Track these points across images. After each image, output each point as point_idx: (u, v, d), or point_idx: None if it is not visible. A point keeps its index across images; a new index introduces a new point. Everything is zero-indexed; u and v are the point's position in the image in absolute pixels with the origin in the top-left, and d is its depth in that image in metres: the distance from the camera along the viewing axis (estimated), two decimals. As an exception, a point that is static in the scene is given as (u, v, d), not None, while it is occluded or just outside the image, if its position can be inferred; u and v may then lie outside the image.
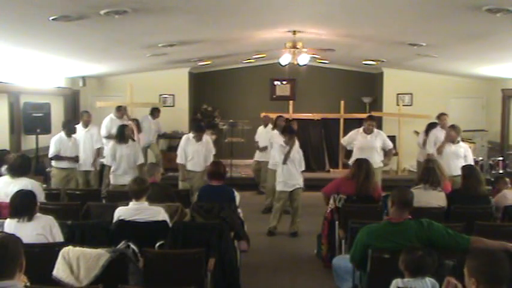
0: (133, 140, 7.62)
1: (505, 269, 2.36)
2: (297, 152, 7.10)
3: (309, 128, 11.62)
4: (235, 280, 4.64)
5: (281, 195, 7.11)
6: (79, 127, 8.30)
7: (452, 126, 7.37)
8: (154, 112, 10.81)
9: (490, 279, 2.33)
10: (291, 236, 7.06)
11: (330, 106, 11.90)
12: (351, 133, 7.91)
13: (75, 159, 7.67)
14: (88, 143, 8.27)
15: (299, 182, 7.09)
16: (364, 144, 7.45)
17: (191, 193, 6.51)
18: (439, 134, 7.99)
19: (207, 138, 7.86)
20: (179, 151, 7.49)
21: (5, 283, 2.40)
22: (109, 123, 9.37)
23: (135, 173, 6.99)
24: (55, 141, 7.56)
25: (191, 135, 7.54)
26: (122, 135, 7.26)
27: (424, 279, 3.07)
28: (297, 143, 7.23)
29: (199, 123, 8.13)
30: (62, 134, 7.64)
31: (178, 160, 7.47)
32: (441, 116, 8.51)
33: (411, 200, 3.69)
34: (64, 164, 7.55)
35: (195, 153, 7.41)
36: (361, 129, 7.66)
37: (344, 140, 8.06)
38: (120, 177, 7.12)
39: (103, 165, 8.19)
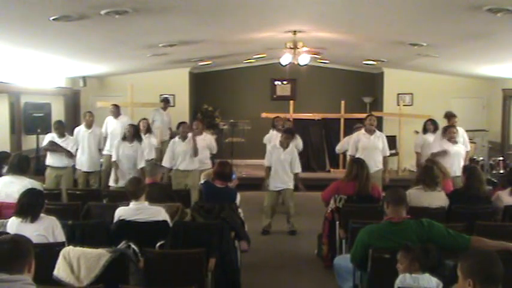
0: (140, 140, 7.38)
1: (499, 267, 2.36)
2: (289, 154, 7.15)
3: (309, 128, 11.60)
4: (235, 280, 4.66)
5: (269, 194, 7.21)
6: (82, 127, 8.22)
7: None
8: (164, 103, 10.83)
9: (486, 278, 2.33)
10: (289, 234, 7.14)
11: (331, 106, 11.88)
12: (346, 139, 7.80)
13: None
14: (93, 144, 8.16)
15: (288, 184, 7.14)
16: (367, 144, 7.44)
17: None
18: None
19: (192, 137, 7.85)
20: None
21: (15, 277, 2.41)
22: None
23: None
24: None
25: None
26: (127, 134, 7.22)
27: (430, 278, 3.07)
28: (291, 146, 7.26)
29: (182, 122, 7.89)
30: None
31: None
32: (451, 117, 7.88)
33: (404, 196, 3.78)
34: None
35: (180, 153, 7.38)
36: (362, 130, 7.63)
37: (338, 148, 7.85)
38: (120, 178, 7.10)
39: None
